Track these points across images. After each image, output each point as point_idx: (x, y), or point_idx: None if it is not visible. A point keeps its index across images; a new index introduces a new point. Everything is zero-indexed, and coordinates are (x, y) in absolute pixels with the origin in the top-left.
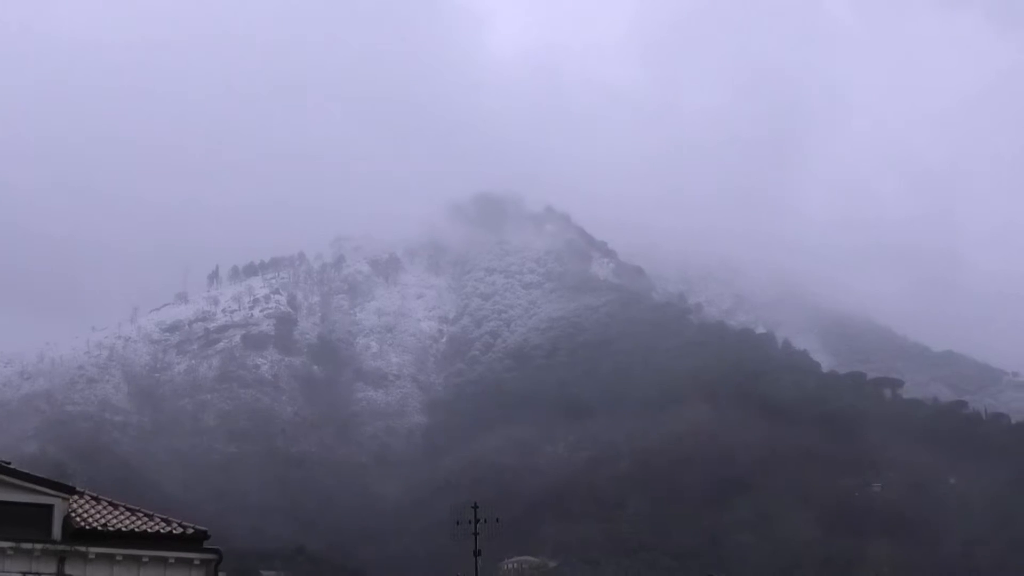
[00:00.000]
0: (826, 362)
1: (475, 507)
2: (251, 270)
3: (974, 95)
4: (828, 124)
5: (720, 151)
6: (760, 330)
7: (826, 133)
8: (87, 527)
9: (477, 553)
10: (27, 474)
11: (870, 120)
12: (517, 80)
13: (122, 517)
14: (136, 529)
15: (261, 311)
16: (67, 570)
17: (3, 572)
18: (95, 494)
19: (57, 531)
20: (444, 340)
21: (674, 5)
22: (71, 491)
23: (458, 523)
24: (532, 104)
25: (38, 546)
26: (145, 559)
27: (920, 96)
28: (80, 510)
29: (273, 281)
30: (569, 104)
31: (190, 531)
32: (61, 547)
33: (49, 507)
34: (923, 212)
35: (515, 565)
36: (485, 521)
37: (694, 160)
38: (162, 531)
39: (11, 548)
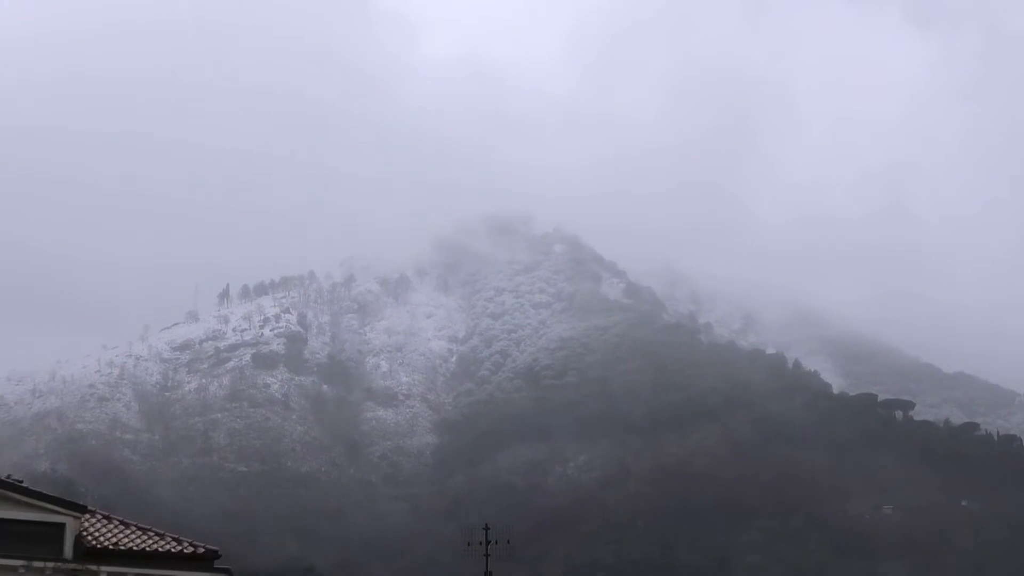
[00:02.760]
0: (837, 383)
1: (486, 528)
2: (261, 289)
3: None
4: (778, 126)
5: (667, 156)
6: (770, 351)
7: (777, 134)
8: (99, 546)
9: (488, 574)
10: (39, 493)
11: (820, 121)
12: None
13: (133, 536)
14: (147, 548)
15: (271, 330)
16: None
17: None
18: (106, 513)
19: (69, 550)
20: (454, 360)
21: (613, 12)
22: (83, 510)
23: (469, 544)
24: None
25: (50, 564)
26: None
27: (865, 94)
28: (92, 529)
29: (283, 300)
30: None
31: (201, 550)
32: (73, 566)
33: (61, 526)
34: (879, 212)
35: None
36: (496, 542)
37: (641, 166)
38: (173, 550)
39: (23, 566)
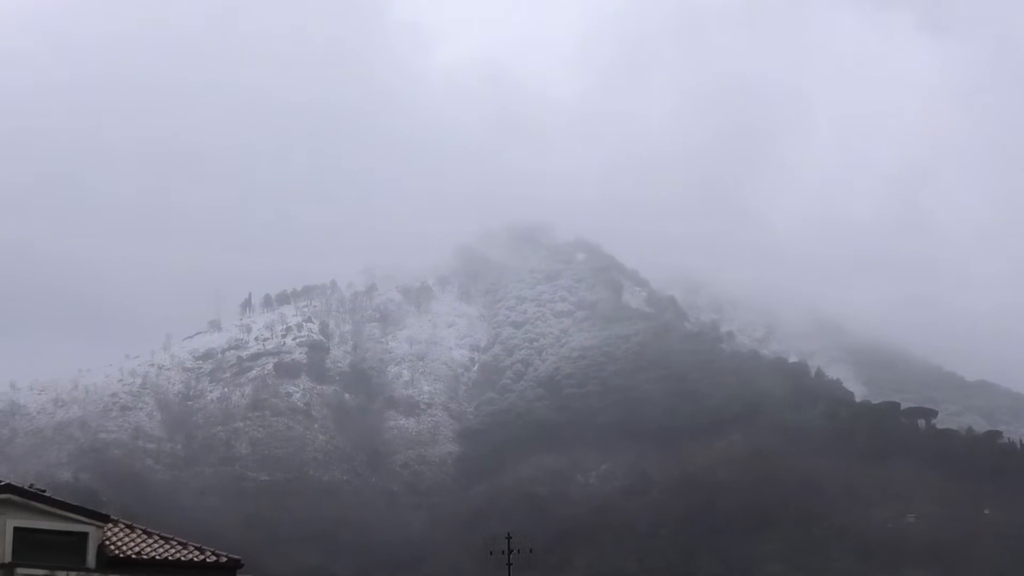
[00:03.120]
0: (859, 391)
1: (508, 537)
2: (283, 298)
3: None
4: (791, 131)
5: (681, 163)
6: (793, 359)
7: (790, 140)
8: (121, 555)
9: None
10: (62, 502)
11: (834, 126)
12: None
13: (156, 545)
14: (170, 557)
15: (293, 339)
16: None
17: None
18: (129, 522)
19: (92, 559)
20: (475, 369)
21: (625, 19)
22: (106, 519)
23: (491, 553)
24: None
25: (73, 574)
26: None
27: (879, 100)
28: (115, 538)
29: (305, 309)
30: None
31: (223, 559)
32: (96, 575)
33: (84, 535)
34: (894, 217)
35: None
36: (519, 551)
37: (655, 173)
38: (196, 559)
39: (46, 575)
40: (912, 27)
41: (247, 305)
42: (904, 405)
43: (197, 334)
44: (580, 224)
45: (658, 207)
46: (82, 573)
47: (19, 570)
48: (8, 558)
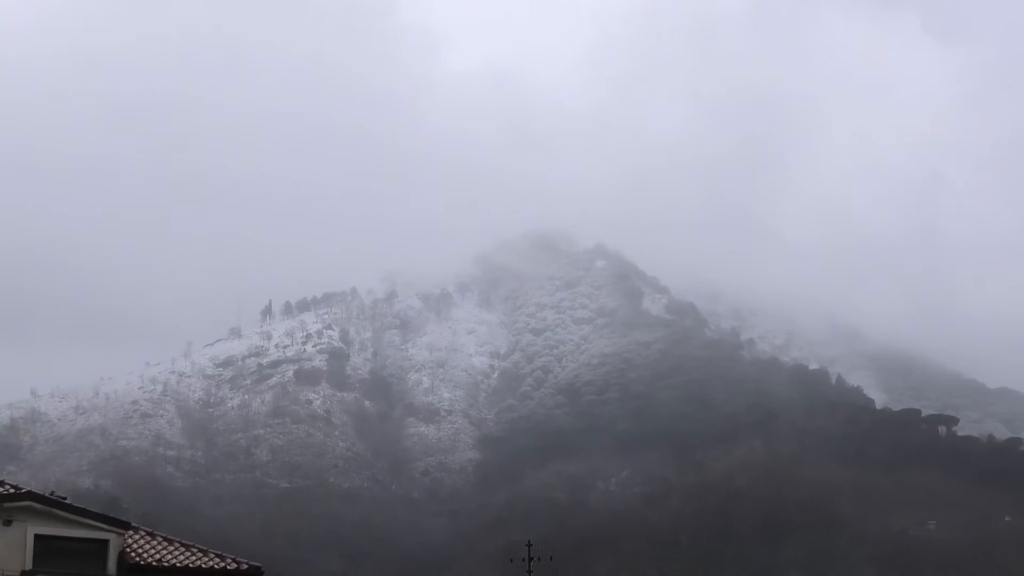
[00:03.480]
0: (880, 399)
1: (529, 544)
2: (304, 305)
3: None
4: (805, 138)
5: (695, 171)
6: (813, 366)
7: (802, 147)
8: (142, 562)
9: None
10: (83, 509)
11: (845, 133)
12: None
13: (177, 552)
14: (191, 564)
15: (314, 346)
16: None
17: None
18: (150, 529)
19: (112, 566)
20: (495, 376)
21: (637, 30)
22: (126, 526)
23: (511, 560)
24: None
25: None
26: None
27: (891, 106)
28: (135, 545)
29: (325, 316)
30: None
31: (244, 566)
32: None
33: (104, 542)
34: (909, 223)
35: None
36: (539, 558)
37: (669, 180)
38: (216, 566)
39: None
40: (919, 31)
41: (267, 312)
42: (925, 412)
43: (218, 341)
44: (600, 231)
45: (673, 214)
46: None
47: None
48: (29, 565)
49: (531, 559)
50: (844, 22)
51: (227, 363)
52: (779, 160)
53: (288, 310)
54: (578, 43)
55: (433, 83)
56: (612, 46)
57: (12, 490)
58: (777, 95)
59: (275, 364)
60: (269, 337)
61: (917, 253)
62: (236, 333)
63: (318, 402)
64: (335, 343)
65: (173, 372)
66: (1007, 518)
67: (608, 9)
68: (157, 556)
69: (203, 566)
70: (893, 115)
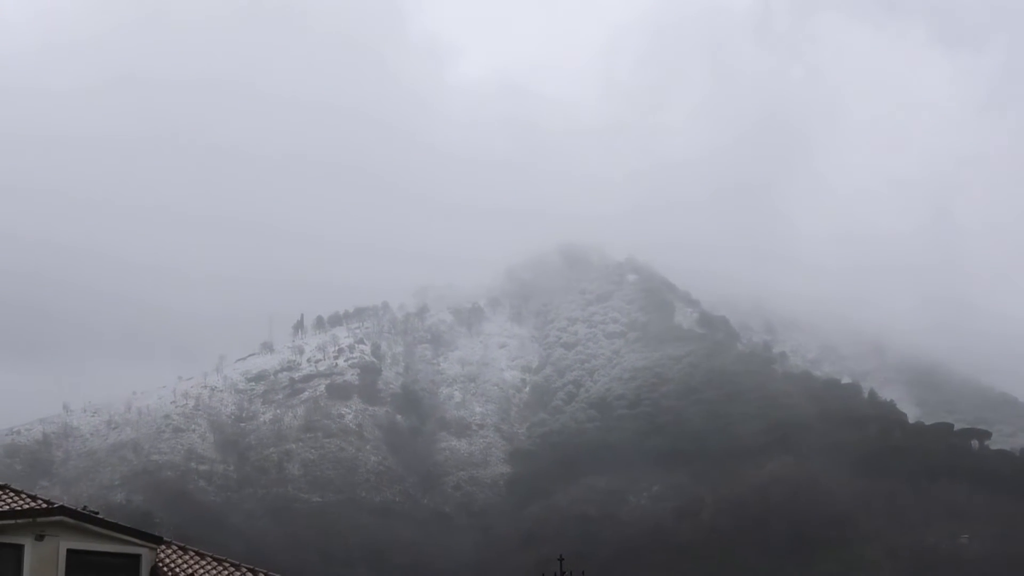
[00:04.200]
0: (912, 413)
1: (560, 559)
2: (336, 320)
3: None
4: (821, 143)
5: (708, 186)
6: (846, 380)
7: (821, 153)
8: None
9: None
10: (115, 524)
11: (862, 139)
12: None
13: (209, 567)
14: None
15: (345, 361)
16: None
17: None
18: (182, 544)
19: None
20: (527, 390)
21: (648, 28)
22: (159, 541)
23: (543, 575)
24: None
25: None
26: None
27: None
28: (168, 560)
29: (357, 331)
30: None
31: None
32: None
33: (137, 557)
34: (930, 232)
35: None
36: (570, 573)
37: (679, 179)
38: None
39: None
40: (925, 38)
41: (299, 327)
42: (957, 426)
43: (250, 356)
44: (631, 245)
45: (702, 227)
46: None
47: None
48: None
49: (563, 573)
50: (852, 24)
51: (259, 377)
52: (794, 165)
53: (320, 324)
54: (589, 46)
55: (445, 94)
56: (622, 48)
57: (44, 505)
58: (789, 108)
59: (307, 378)
60: (301, 351)
61: (939, 266)
62: (268, 348)
63: (350, 416)
64: (367, 357)
65: (205, 386)
66: None
67: (618, 20)
68: (189, 571)
69: None
70: (905, 125)
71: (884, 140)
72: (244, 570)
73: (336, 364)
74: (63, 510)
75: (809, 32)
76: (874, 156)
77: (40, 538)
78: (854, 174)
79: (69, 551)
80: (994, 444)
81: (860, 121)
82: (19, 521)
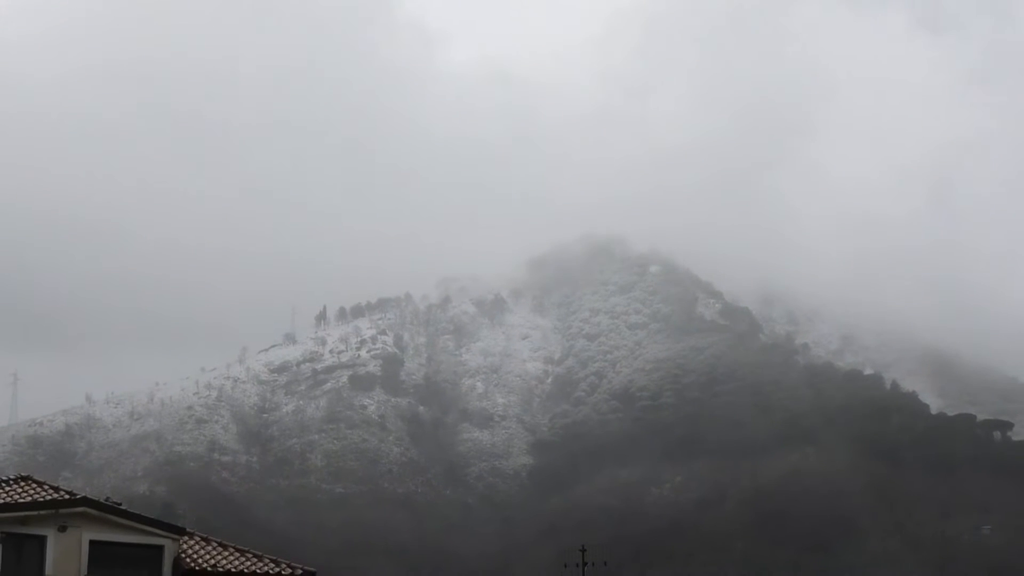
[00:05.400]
0: (935, 404)
1: (583, 550)
2: (358, 311)
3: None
4: (821, 132)
5: (701, 153)
6: (868, 371)
7: (823, 143)
8: (197, 568)
9: None
10: (138, 515)
11: (862, 127)
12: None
13: (231, 558)
14: (245, 570)
15: (368, 352)
16: None
17: None
18: (205, 535)
19: (167, 572)
20: (549, 381)
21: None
22: (181, 532)
23: (566, 566)
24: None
25: None
26: None
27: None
28: (190, 551)
29: (380, 322)
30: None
31: (299, 572)
32: None
33: (160, 548)
34: (933, 227)
35: None
36: (593, 564)
37: (671, 161)
38: (271, 572)
39: None
40: (908, 23)
41: (322, 318)
42: (979, 417)
43: (272, 347)
44: (653, 235)
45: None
46: None
47: None
48: (84, 571)
49: (585, 565)
50: (841, 10)
51: (282, 368)
52: (793, 159)
53: (343, 316)
54: (585, 34)
55: (434, 81)
56: (618, 34)
57: (67, 496)
58: (784, 94)
59: (330, 369)
60: (324, 343)
61: (950, 255)
62: (291, 339)
63: (372, 407)
64: (389, 348)
65: (228, 378)
66: None
67: (610, 4)
68: (212, 561)
69: (258, 571)
70: (900, 113)
71: (876, 131)
72: (266, 561)
73: (359, 355)
74: (86, 501)
75: (805, 17)
76: (872, 144)
77: (63, 529)
78: (850, 167)
79: (92, 542)
80: (1016, 435)
81: (849, 113)
82: (42, 512)
